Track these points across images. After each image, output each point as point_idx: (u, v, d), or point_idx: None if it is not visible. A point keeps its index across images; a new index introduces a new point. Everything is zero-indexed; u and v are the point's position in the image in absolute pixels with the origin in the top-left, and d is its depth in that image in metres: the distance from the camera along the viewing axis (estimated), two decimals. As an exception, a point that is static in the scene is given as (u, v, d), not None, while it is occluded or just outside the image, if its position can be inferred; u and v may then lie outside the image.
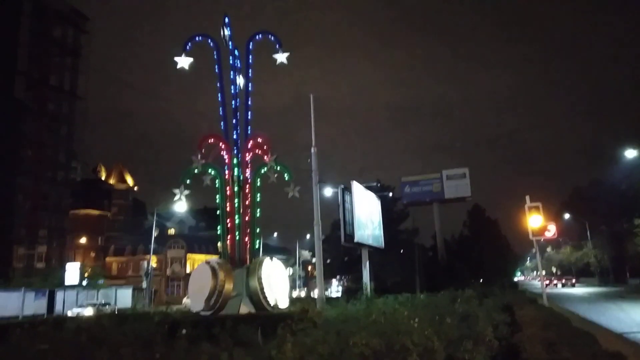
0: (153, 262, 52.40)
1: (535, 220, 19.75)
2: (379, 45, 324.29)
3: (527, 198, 20.24)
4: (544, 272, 44.81)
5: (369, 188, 29.68)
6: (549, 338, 7.41)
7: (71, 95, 58.55)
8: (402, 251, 39.07)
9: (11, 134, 48.48)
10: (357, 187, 25.83)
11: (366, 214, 26.83)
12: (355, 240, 24.23)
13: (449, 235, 45.49)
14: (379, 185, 37.75)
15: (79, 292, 39.61)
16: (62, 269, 46.62)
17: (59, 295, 37.09)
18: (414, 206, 45.84)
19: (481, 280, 32.04)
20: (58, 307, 35.91)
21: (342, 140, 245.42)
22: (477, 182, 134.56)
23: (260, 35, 17.44)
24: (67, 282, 42.92)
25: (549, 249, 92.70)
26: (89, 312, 28.93)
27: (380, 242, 29.38)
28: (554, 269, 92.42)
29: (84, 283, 44.98)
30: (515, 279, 63.34)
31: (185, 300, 46.60)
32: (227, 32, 16.98)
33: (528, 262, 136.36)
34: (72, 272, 45.16)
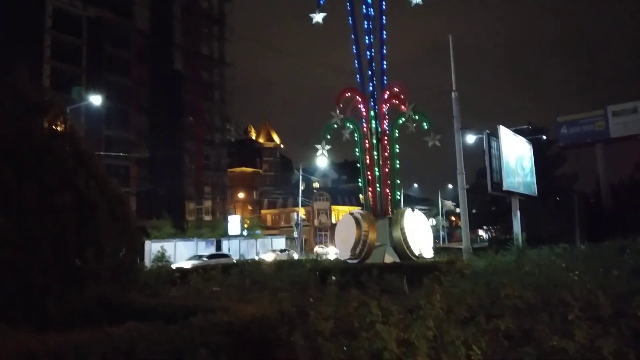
0: (301, 213, 55.97)
1: None
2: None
3: None
4: None
5: (518, 132, 27.72)
6: None
7: (220, 62, 63.51)
8: (558, 199, 35.92)
9: (174, 103, 54.72)
10: (504, 131, 24.28)
11: (515, 159, 25.20)
12: (504, 188, 23.08)
13: (616, 179, 40.26)
14: (529, 128, 34.78)
15: (240, 241, 44.21)
16: (225, 221, 52.44)
17: (224, 244, 41.86)
18: (572, 149, 41.29)
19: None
20: (224, 254, 40.58)
21: (483, 83, 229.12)
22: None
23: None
24: (230, 232, 48.25)
25: None
26: (269, 257, 35.16)
27: (532, 189, 27.55)
28: None
29: (244, 233, 50.05)
30: None
31: (316, 248, 50.62)
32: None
33: None
34: (234, 224, 50.58)
